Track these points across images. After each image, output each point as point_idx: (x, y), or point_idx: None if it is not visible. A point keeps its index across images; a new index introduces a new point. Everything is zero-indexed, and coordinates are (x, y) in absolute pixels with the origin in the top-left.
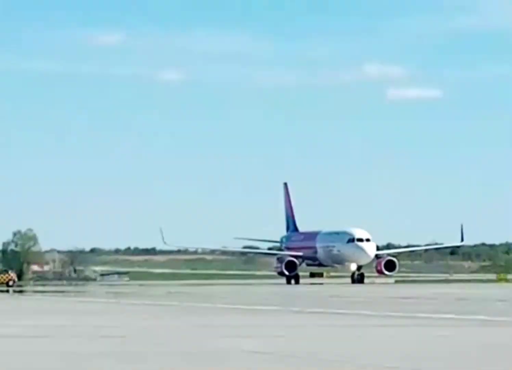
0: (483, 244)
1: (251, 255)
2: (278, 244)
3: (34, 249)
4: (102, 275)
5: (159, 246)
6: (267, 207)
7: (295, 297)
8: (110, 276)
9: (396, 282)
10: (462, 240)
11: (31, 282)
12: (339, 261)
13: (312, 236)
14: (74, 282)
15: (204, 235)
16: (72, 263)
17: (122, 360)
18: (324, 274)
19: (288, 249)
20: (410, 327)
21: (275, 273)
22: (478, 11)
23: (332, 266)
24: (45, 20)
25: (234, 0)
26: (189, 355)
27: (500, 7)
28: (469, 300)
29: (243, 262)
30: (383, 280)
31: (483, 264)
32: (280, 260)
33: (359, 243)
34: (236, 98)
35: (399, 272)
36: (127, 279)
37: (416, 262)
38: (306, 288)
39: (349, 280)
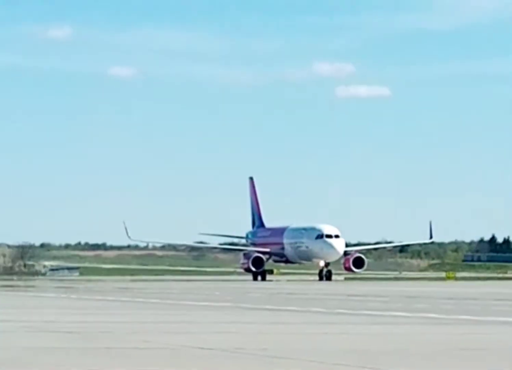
0: (432, 242)
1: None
2: (243, 240)
3: None
4: (52, 269)
5: (109, 242)
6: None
7: (251, 294)
8: (60, 271)
9: (346, 279)
10: (431, 237)
11: None
12: (307, 257)
13: (279, 231)
14: (24, 277)
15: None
16: (22, 258)
17: (71, 356)
18: (274, 271)
19: (254, 245)
20: (359, 324)
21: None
22: (426, 10)
23: (300, 263)
24: None
25: None
26: (138, 351)
27: (448, 6)
28: (418, 298)
29: (193, 258)
30: (333, 277)
31: (432, 262)
32: (246, 256)
33: (328, 239)
34: (190, 94)
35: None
36: (77, 274)
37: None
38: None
39: (316, 277)
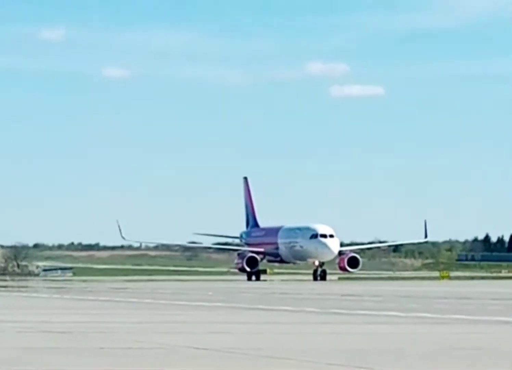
0: (426, 242)
1: (211, 250)
2: (237, 240)
3: None
4: (45, 270)
5: (102, 242)
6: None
7: (245, 294)
8: (53, 271)
9: (340, 279)
10: (426, 236)
11: None
12: (301, 257)
13: (274, 231)
14: (17, 277)
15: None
16: (15, 258)
17: (63, 356)
18: (268, 271)
19: (249, 244)
20: (353, 324)
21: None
22: (421, 9)
23: (295, 263)
24: None
25: None
26: (134, 351)
27: (444, 5)
28: (412, 298)
29: (186, 258)
30: (327, 277)
31: (426, 261)
32: (241, 256)
33: (323, 239)
34: (184, 95)
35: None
36: (70, 274)
37: None
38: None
39: (310, 277)
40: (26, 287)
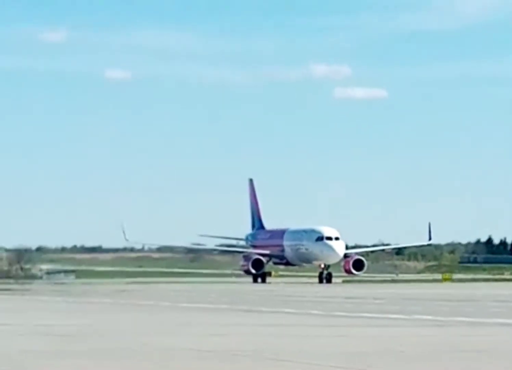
0: (429, 244)
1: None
2: (242, 242)
3: None
4: (48, 273)
5: (105, 244)
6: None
7: (250, 296)
8: (56, 274)
9: (344, 281)
10: (430, 238)
11: None
12: (307, 259)
13: (279, 233)
14: (20, 280)
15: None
16: (19, 261)
17: (69, 358)
18: (272, 273)
19: (254, 247)
20: (356, 327)
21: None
22: (424, 10)
23: (300, 265)
24: None
25: None
26: (136, 353)
27: (446, 6)
28: (414, 300)
29: (190, 260)
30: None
31: (429, 264)
32: (246, 258)
33: (328, 242)
34: (186, 95)
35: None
36: (73, 277)
37: None
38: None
39: (315, 279)
40: (30, 290)
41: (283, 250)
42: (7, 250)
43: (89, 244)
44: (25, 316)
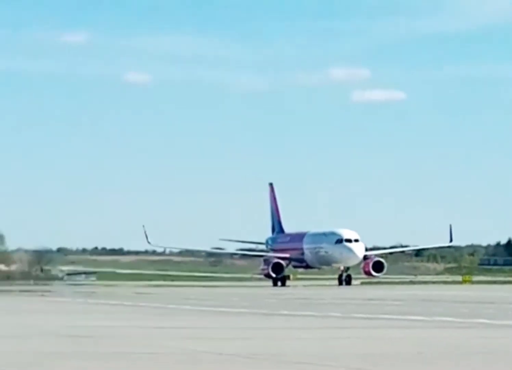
0: (450, 246)
1: (236, 256)
2: (261, 246)
3: (0, 248)
4: (68, 274)
5: (127, 247)
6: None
7: (270, 299)
8: (77, 275)
9: (362, 283)
10: (451, 240)
11: None
12: (327, 262)
13: (299, 237)
14: (40, 282)
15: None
16: (39, 263)
17: (89, 361)
18: (291, 276)
19: (274, 250)
20: (375, 329)
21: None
22: (441, 13)
23: (320, 268)
24: (9, 18)
25: (202, 2)
26: (157, 356)
27: (463, 9)
28: (434, 302)
29: (210, 263)
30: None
31: (448, 265)
32: (266, 262)
33: (348, 244)
34: (205, 99)
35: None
36: (93, 279)
37: None
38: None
39: (334, 281)
40: (50, 291)
41: (303, 253)
42: (26, 251)
43: (110, 246)
44: (45, 318)
